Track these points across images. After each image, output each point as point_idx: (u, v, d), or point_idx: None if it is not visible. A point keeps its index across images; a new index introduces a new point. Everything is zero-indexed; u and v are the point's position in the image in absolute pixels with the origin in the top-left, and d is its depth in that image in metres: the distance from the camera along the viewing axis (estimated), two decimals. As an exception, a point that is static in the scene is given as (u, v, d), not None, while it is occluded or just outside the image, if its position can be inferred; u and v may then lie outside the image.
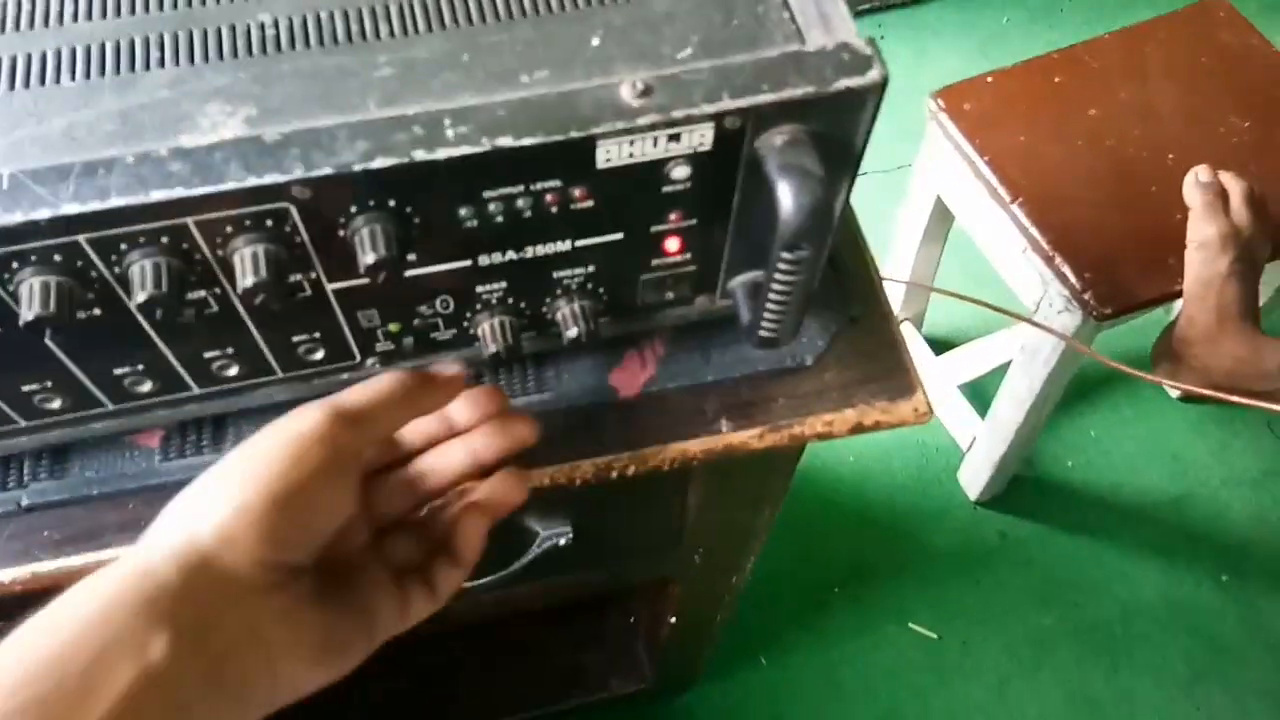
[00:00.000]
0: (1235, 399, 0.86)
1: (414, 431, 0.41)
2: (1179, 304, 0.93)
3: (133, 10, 0.37)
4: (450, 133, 0.33)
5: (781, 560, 1.29)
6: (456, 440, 0.41)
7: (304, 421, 0.34)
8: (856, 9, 1.76)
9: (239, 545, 0.32)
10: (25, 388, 0.39)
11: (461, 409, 0.41)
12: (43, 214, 0.31)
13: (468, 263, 0.39)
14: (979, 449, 1.28)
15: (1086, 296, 0.94)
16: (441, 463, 0.40)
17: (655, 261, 0.42)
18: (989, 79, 1.06)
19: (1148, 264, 0.95)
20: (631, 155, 0.36)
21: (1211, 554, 1.31)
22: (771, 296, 0.40)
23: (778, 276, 0.38)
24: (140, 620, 0.30)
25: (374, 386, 0.37)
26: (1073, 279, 0.94)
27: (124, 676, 0.29)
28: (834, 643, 1.25)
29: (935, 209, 1.15)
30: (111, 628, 0.29)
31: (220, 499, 0.32)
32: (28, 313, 0.33)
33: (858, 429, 0.48)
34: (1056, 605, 1.28)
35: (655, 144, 0.35)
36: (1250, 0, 1.66)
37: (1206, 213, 0.89)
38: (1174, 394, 1.42)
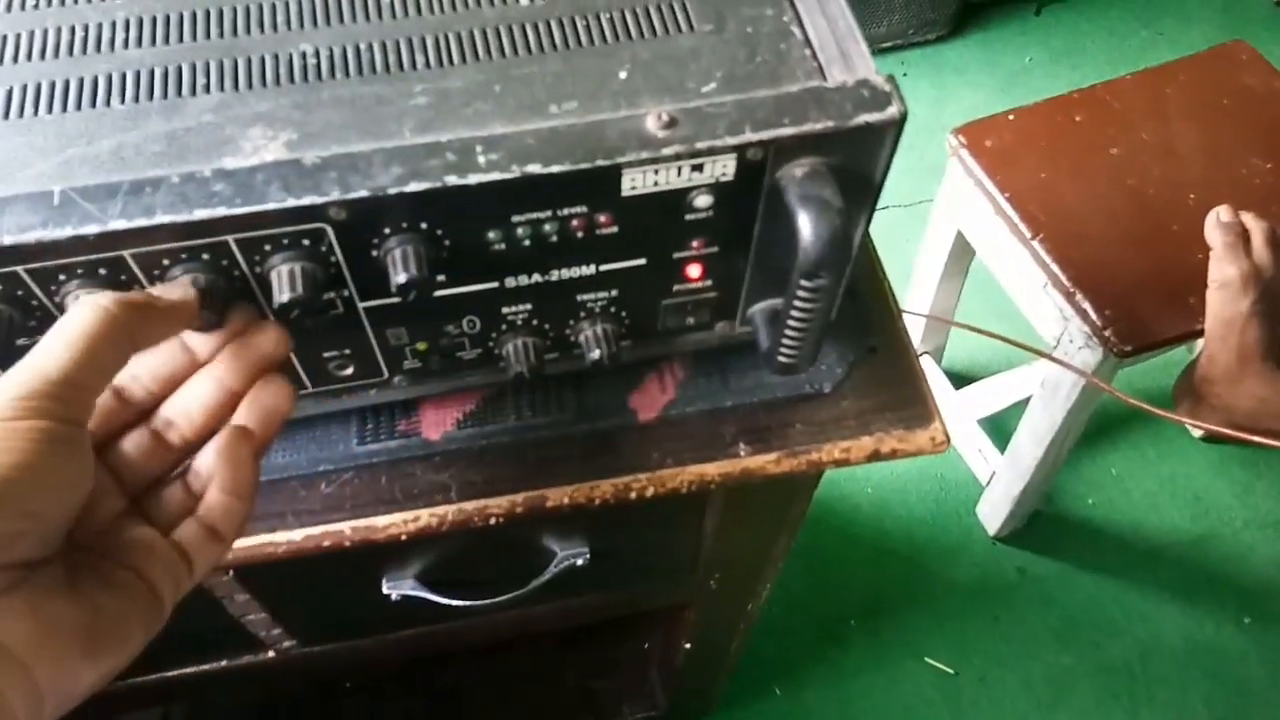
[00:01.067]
0: (1257, 439, 0.85)
1: (149, 375, 0.35)
2: (1200, 342, 0.93)
3: (180, 38, 0.39)
4: (482, 159, 0.35)
5: (797, 591, 1.29)
6: (200, 373, 0.35)
7: (2, 400, 0.29)
8: (879, 46, 1.78)
9: None
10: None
11: (196, 339, 0.36)
12: (91, 229, 0.33)
13: (495, 284, 0.40)
14: (998, 484, 1.28)
15: (1107, 333, 0.94)
16: (187, 404, 0.35)
17: (677, 287, 0.43)
18: (1010, 116, 1.08)
19: (1168, 302, 0.95)
20: (656, 184, 0.37)
21: (1234, 596, 1.30)
22: (790, 323, 0.41)
23: (797, 304, 0.39)
24: None
25: (73, 332, 0.30)
26: (1093, 315, 0.95)
27: None
28: (849, 676, 1.25)
29: (956, 244, 1.16)
30: None
31: None
32: (73, 324, 0.34)
33: (875, 456, 0.48)
34: (1076, 644, 1.27)
35: (679, 173, 0.37)
36: (1275, 44, 1.67)
37: (1228, 253, 0.89)
38: (1196, 434, 1.41)
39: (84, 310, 0.31)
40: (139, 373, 0.35)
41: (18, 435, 0.28)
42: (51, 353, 0.30)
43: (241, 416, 0.35)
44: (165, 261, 0.35)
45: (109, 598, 0.31)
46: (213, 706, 1.05)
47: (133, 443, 0.34)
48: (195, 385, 0.35)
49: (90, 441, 0.31)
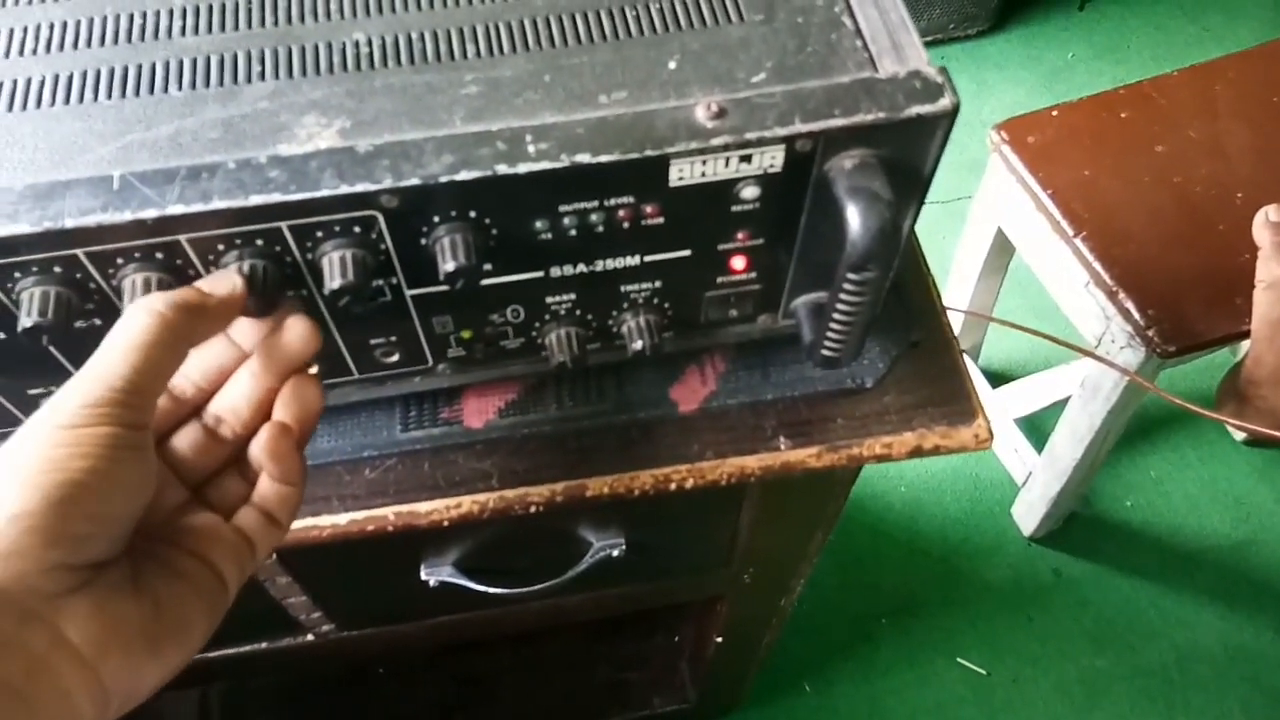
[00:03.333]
0: (1303, 442, 0.84)
1: (199, 372, 0.36)
2: (1245, 345, 0.91)
3: (236, 26, 0.39)
4: (531, 148, 0.35)
5: (829, 589, 1.28)
6: (241, 369, 0.36)
7: (66, 410, 0.30)
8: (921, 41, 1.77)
9: (23, 558, 0.28)
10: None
11: (239, 328, 0.37)
12: (150, 213, 0.33)
13: (540, 274, 0.40)
14: (1035, 484, 1.27)
15: (1150, 333, 0.93)
16: (234, 400, 0.36)
17: (721, 279, 0.43)
18: (1053, 112, 1.06)
19: (1213, 303, 0.94)
20: (704, 174, 0.37)
21: (1274, 602, 1.27)
22: (835, 317, 0.40)
23: (843, 297, 0.39)
24: None
25: (131, 338, 0.31)
26: (1136, 315, 0.93)
27: None
28: (880, 674, 1.24)
29: (996, 241, 1.15)
30: None
31: None
32: (127, 305, 0.35)
33: (917, 452, 0.48)
34: (1111, 647, 1.25)
35: (727, 164, 0.37)
36: (1326, 39, 1.63)
37: (1276, 253, 0.88)
38: (1238, 437, 1.38)
39: (139, 316, 0.32)
40: (189, 370, 0.36)
41: (86, 442, 0.29)
42: (112, 360, 0.31)
43: (279, 412, 0.37)
44: (220, 247, 0.35)
45: (172, 590, 0.32)
46: (247, 690, 1.07)
47: (188, 438, 0.36)
48: (239, 382, 0.36)
49: (152, 442, 0.32)
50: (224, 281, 0.34)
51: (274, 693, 1.08)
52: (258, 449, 0.36)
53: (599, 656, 1.12)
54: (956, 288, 1.26)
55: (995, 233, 1.14)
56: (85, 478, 0.29)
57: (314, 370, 0.38)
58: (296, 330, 0.36)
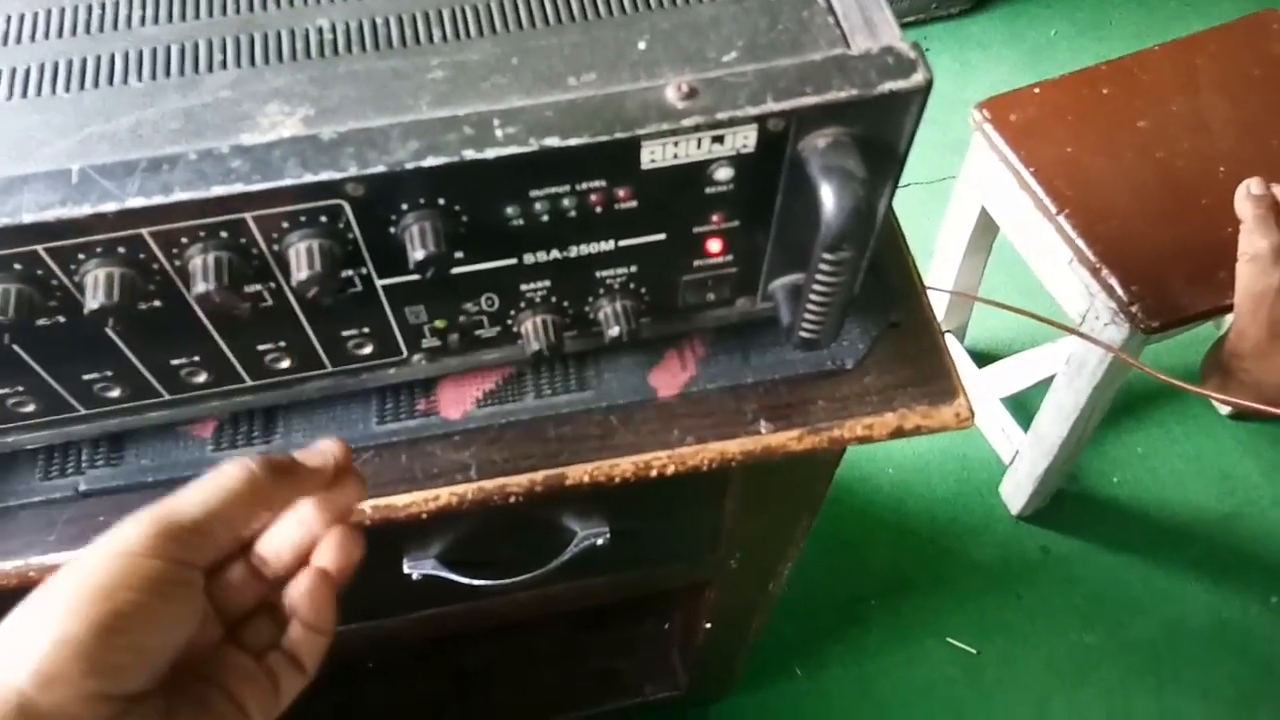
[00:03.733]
0: (1286, 414, 0.84)
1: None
2: (1229, 319, 0.91)
3: (196, 14, 0.38)
4: (499, 133, 0.34)
5: (819, 572, 1.29)
6: (287, 516, 0.37)
7: (129, 538, 0.31)
8: (901, 21, 1.75)
9: (63, 683, 0.28)
10: (86, 376, 0.41)
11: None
12: (109, 207, 0.33)
13: (513, 260, 0.40)
14: (1021, 463, 1.27)
15: (1134, 309, 0.93)
16: (279, 545, 0.37)
17: (697, 262, 0.43)
18: (1035, 90, 1.06)
19: (1197, 277, 0.94)
20: (676, 156, 0.36)
21: (1261, 574, 1.28)
22: (812, 297, 0.40)
23: (819, 277, 0.39)
24: None
25: (216, 487, 0.33)
26: (1120, 291, 0.93)
27: None
28: (870, 656, 1.24)
29: (980, 220, 1.15)
30: None
31: (36, 635, 0.29)
32: (92, 302, 0.34)
33: (898, 433, 0.48)
34: (1100, 623, 1.26)
35: (699, 145, 0.36)
36: (1306, 12, 1.63)
37: (1258, 225, 0.88)
38: (1223, 411, 1.39)
39: (233, 469, 0.33)
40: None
41: (142, 574, 0.30)
42: (191, 501, 0.32)
43: (323, 558, 0.37)
44: (184, 239, 0.35)
45: None
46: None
47: (234, 575, 0.36)
48: (285, 526, 0.37)
49: (202, 583, 0.33)
50: (316, 455, 0.36)
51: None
52: (296, 594, 0.37)
53: (589, 645, 1.12)
54: (941, 268, 1.26)
55: (979, 212, 1.13)
56: (132, 610, 0.29)
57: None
58: (353, 488, 0.38)
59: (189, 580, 0.32)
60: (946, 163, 1.51)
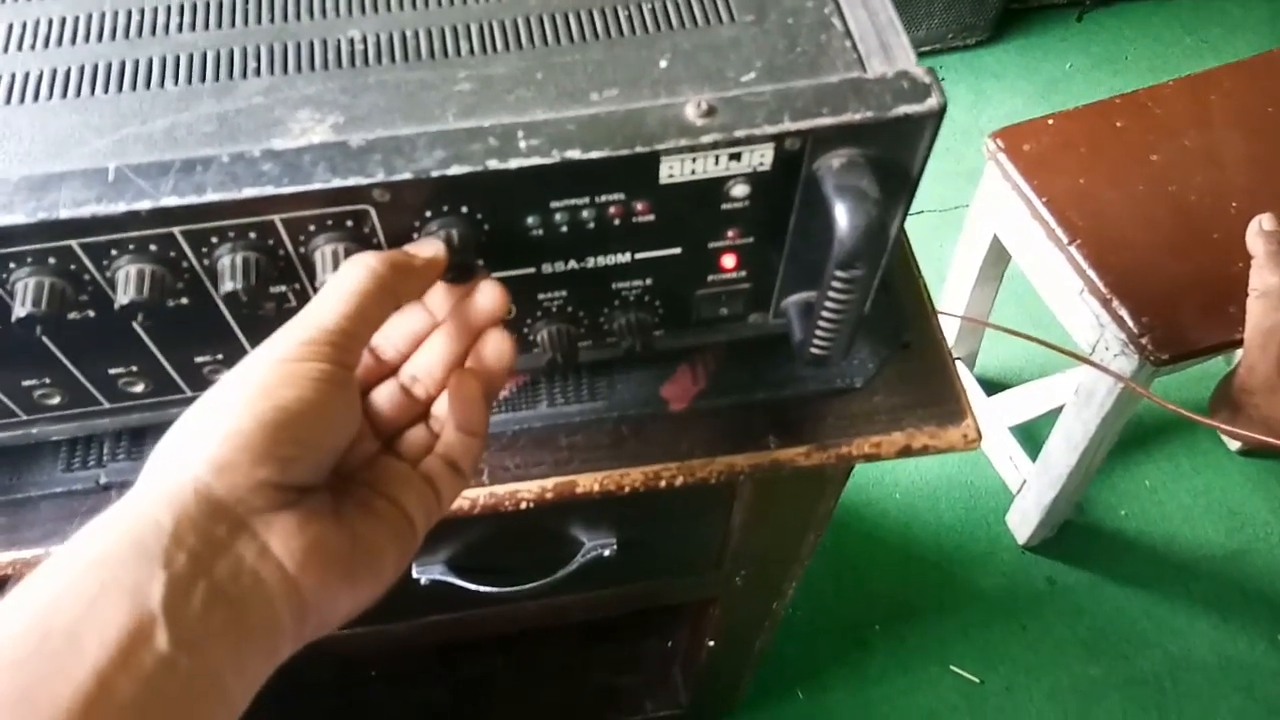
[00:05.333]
0: (1295, 450, 0.84)
1: (400, 335, 0.39)
2: (1239, 353, 0.92)
3: (232, 23, 0.40)
4: (523, 144, 0.35)
5: (823, 595, 1.28)
6: (436, 333, 0.39)
7: (283, 346, 0.32)
8: (918, 50, 1.77)
9: (235, 471, 0.30)
10: (112, 371, 0.42)
11: (435, 296, 0.39)
12: (144, 205, 0.34)
13: (532, 270, 0.41)
14: (1029, 492, 1.27)
15: (1144, 341, 0.93)
16: (428, 361, 0.38)
17: (711, 277, 0.44)
18: (1049, 121, 1.07)
19: (1207, 311, 0.94)
20: (694, 172, 0.37)
21: (1267, 612, 1.27)
22: (824, 315, 0.41)
23: (831, 295, 0.39)
24: (131, 568, 0.28)
25: (345, 288, 0.34)
26: (1130, 322, 0.94)
27: (114, 630, 0.27)
28: (873, 681, 1.24)
29: (992, 248, 1.15)
30: (100, 580, 0.28)
31: (210, 428, 0.31)
32: (123, 297, 0.35)
33: (905, 452, 0.48)
34: (1105, 656, 1.25)
35: (717, 162, 0.37)
36: (1323, 52, 1.64)
37: (1270, 261, 0.88)
38: (1233, 447, 1.39)
39: (355, 269, 0.34)
40: (390, 333, 0.39)
41: (299, 374, 0.32)
42: (327, 306, 0.33)
43: (470, 363, 0.39)
44: (214, 239, 0.36)
45: (368, 525, 0.34)
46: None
47: (385, 395, 0.38)
48: (433, 344, 0.39)
49: (357, 384, 0.35)
50: (429, 246, 0.36)
51: (262, 694, 1.08)
52: (447, 398, 0.38)
53: (592, 660, 1.12)
54: (953, 295, 1.27)
55: (991, 240, 1.14)
56: (295, 405, 0.31)
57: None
58: (487, 294, 0.38)
59: (343, 381, 0.33)
60: (960, 191, 1.52)
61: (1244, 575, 1.30)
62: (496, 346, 0.38)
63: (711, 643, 0.88)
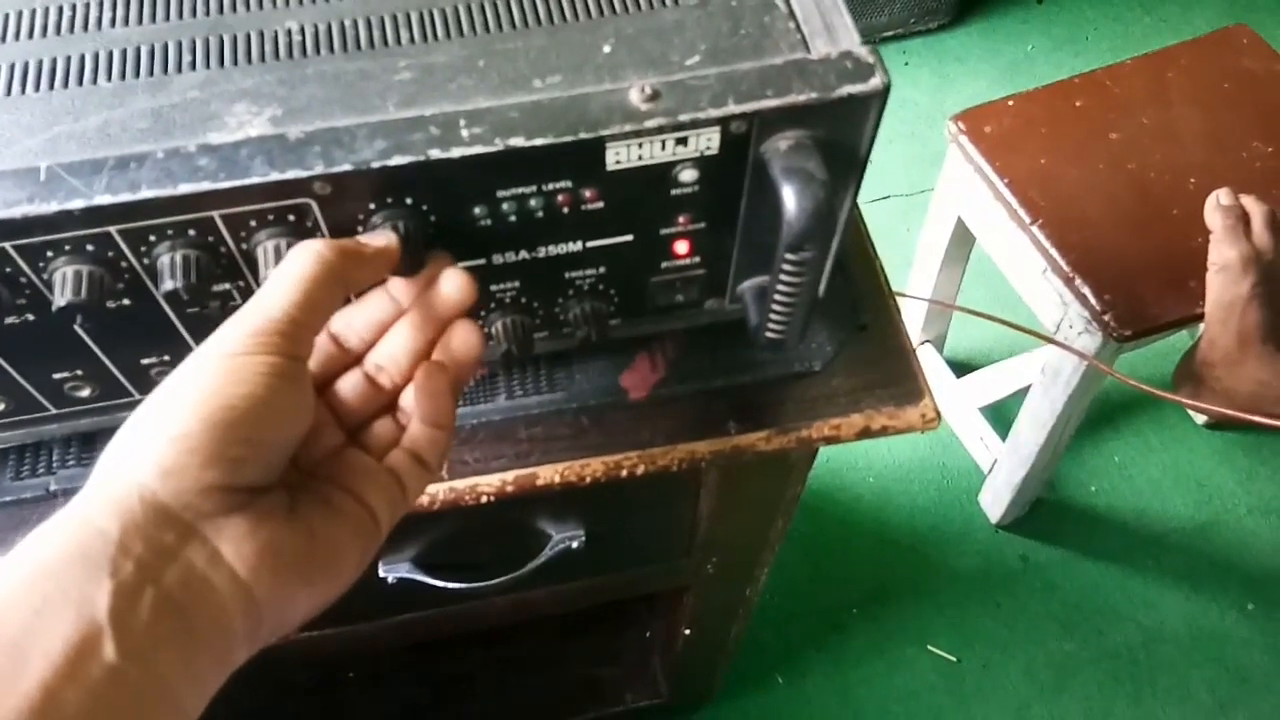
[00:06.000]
0: (1259, 420, 0.85)
1: (363, 323, 0.38)
2: (1201, 326, 0.93)
3: (166, 16, 0.39)
4: (465, 133, 0.35)
5: (799, 580, 1.29)
6: (401, 321, 0.38)
7: (229, 340, 0.31)
8: (880, 35, 1.78)
9: (182, 475, 0.29)
10: (56, 375, 0.41)
11: (398, 283, 0.38)
12: (77, 204, 0.33)
13: (482, 261, 0.40)
14: (1000, 471, 1.28)
15: (1106, 318, 0.94)
16: (393, 349, 0.37)
17: (665, 264, 0.43)
18: (1010, 102, 1.07)
19: (1168, 286, 0.95)
20: (640, 158, 0.37)
21: (1237, 582, 1.29)
22: (776, 298, 0.41)
23: (782, 278, 0.39)
24: (77, 577, 0.27)
25: (293, 275, 0.32)
26: (1092, 300, 0.94)
27: (59, 641, 0.26)
28: (851, 664, 1.25)
29: (956, 231, 1.16)
30: (45, 591, 0.27)
31: (155, 431, 0.30)
32: (60, 299, 0.34)
33: (865, 433, 0.48)
34: (1079, 631, 1.26)
35: (663, 147, 0.37)
36: (1276, 28, 1.66)
37: (1228, 235, 0.89)
38: (1200, 420, 1.40)
39: (303, 255, 0.33)
40: (353, 321, 0.37)
41: (247, 369, 0.31)
42: (275, 295, 0.32)
43: (437, 355, 0.38)
44: (152, 238, 0.35)
45: (327, 523, 0.33)
46: (214, 697, 1.06)
47: (349, 384, 0.37)
48: (398, 332, 0.38)
49: (310, 378, 0.34)
50: (380, 236, 0.36)
51: (238, 700, 1.07)
52: (412, 390, 0.37)
53: (570, 653, 1.12)
54: (919, 278, 1.27)
55: (955, 222, 1.15)
56: (243, 403, 0.30)
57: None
58: (452, 283, 0.37)
59: (294, 374, 0.32)
60: (926, 175, 1.52)
61: (1213, 547, 1.32)
62: (465, 339, 0.38)
63: (687, 631, 0.88)
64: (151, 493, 0.29)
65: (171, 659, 0.28)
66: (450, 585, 0.62)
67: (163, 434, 0.30)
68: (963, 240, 1.18)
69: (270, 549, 0.31)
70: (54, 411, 0.43)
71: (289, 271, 0.33)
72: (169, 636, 0.28)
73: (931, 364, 1.37)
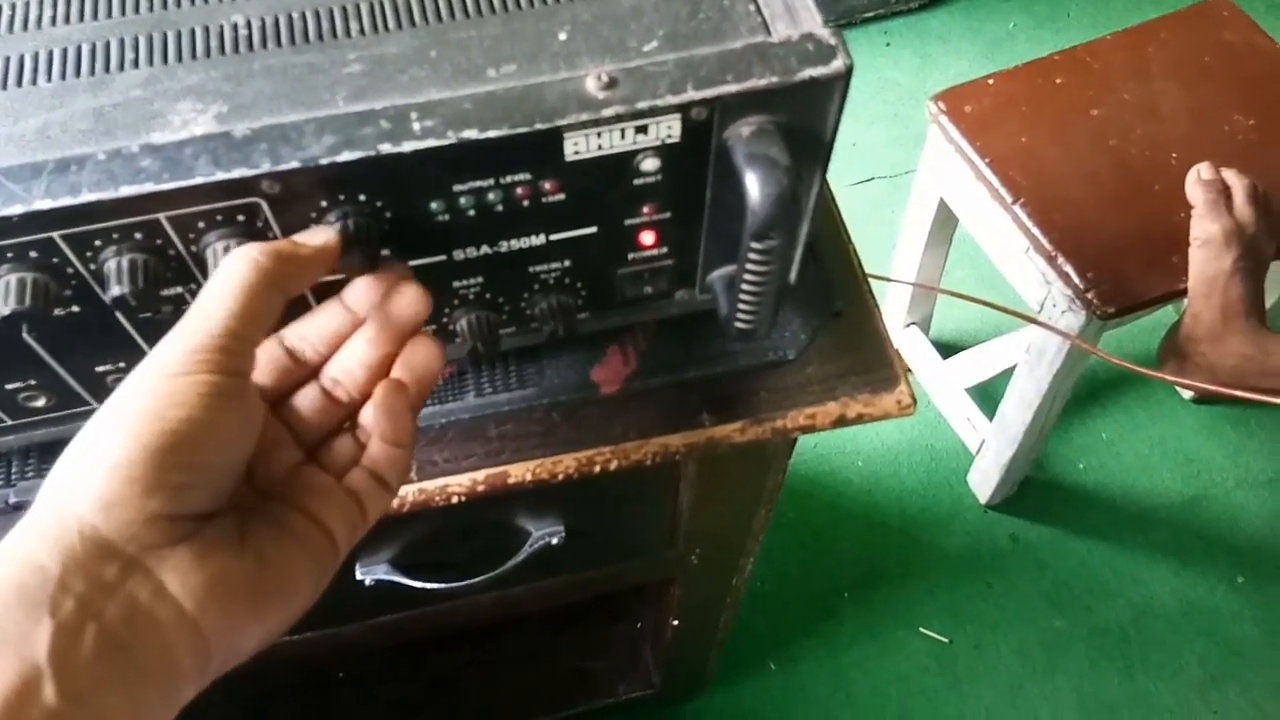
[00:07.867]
0: (1242, 395, 0.85)
1: (317, 335, 0.36)
2: (1185, 302, 0.92)
3: (109, 13, 0.38)
4: (416, 126, 0.34)
5: (790, 566, 1.29)
6: (356, 334, 0.36)
7: (166, 359, 0.30)
8: (861, 16, 1.76)
9: (123, 507, 0.28)
10: (9, 386, 0.40)
11: (354, 293, 0.36)
12: (15, 210, 0.32)
13: (442, 257, 0.39)
14: (988, 452, 1.27)
15: (1090, 296, 0.93)
16: (349, 363, 0.36)
17: (632, 255, 0.42)
18: (990, 81, 1.06)
19: (1151, 262, 0.94)
20: (600, 147, 0.36)
21: (1226, 556, 1.29)
22: (744, 287, 0.40)
23: (749, 267, 0.38)
24: (15, 617, 0.26)
25: (228, 285, 0.31)
26: (1075, 279, 0.94)
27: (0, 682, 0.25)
28: (844, 648, 1.25)
29: (939, 212, 1.15)
30: None
31: (93, 460, 0.28)
32: (3, 308, 0.33)
33: (841, 421, 0.47)
34: (1069, 608, 1.26)
35: (623, 136, 0.36)
36: (1259, 1, 1.65)
37: (1209, 210, 0.89)
38: (1186, 395, 1.40)
39: (236, 264, 0.31)
40: (307, 334, 0.36)
41: (186, 390, 0.29)
42: (210, 307, 0.31)
43: (396, 372, 0.37)
44: (97, 242, 0.34)
45: (280, 547, 0.32)
46: (196, 703, 1.05)
47: (305, 399, 0.36)
48: (354, 345, 0.36)
49: (255, 392, 0.32)
50: (318, 235, 0.34)
51: (226, 705, 1.06)
52: (371, 408, 0.36)
53: (561, 646, 1.12)
54: (903, 260, 1.27)
55: (938, 203, 1.14)
56: (183, 427, 0.29)
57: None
58: (407, 296, 0.36)
59: (235, 391, 0.30)
60: (909, 156, 1.51)
61: (1201, 521, 1.32)
62: (425, 356, 0.37)
63: (676, 622, 0.88)
64: (92, 526, 0.28)
65: (115, 700, 0.27)
66: (429, 586, 0.61)
67: (101, 463, 0.28)
68: (945, 222, 1.17)
69: (218, 580, 0.30)
70: (9, 422, 0.42)
71: (225, 281, 0.31)
72: (112, 676, 0.27)
73: (918, 346, 1.36)
